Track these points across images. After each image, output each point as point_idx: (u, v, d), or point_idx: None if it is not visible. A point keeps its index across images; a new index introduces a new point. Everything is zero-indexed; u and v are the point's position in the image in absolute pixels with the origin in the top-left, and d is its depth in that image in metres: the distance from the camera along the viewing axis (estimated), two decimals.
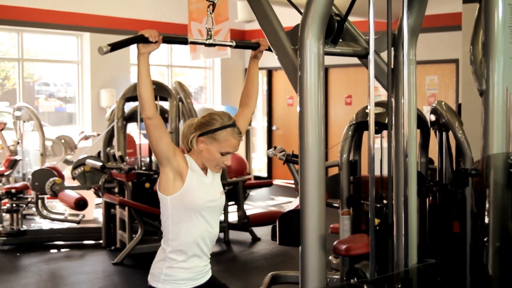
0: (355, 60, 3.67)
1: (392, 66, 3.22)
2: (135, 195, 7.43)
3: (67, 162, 10.03)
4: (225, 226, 8.22)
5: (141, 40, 2.94)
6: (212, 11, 3.27)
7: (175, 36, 3.18)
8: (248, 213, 8.26)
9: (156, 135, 3.01)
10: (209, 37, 3.22)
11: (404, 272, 3.02)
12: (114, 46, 2.89)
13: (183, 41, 3.14)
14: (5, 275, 6.82)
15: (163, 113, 7.79)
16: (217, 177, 3.27)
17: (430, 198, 5.16)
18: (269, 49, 3.48)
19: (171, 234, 3.13)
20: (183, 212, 3.10)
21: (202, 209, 3.11)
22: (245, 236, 8.37)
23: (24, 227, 8.23)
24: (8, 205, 8.17)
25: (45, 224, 8.85)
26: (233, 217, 8.52)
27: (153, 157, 7.86)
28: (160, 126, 3.02)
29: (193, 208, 3.10)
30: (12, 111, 9.65)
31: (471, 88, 4.53)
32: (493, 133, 3.79)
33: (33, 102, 11.40)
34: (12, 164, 9.09)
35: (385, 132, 5.12)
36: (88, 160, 7.65)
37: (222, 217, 8.21)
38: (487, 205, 3.80)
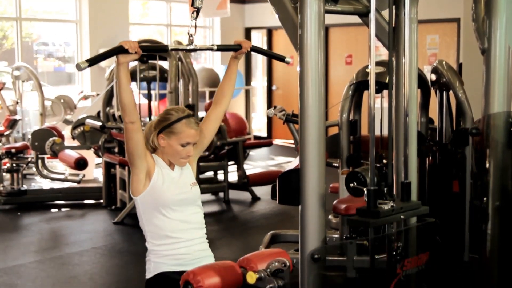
0: (356, 20, 3.64)
1: (393, 25, 3.19)
2: None
3: (66, 122, 10.01)
4: (225, 185, 8.25)
5: (120, 51, 2.93)
6: (196, 17, 3.22)
7: (155, 45, 3.14)
8: (248, 172, 8.28)
9: (135, 137, 3.07)
10: (190, 43, 3.17)
11: (404, 230, 3.03)
12: (93, 61, 2.85)
13: (164, 49, 3.12)
14: (6, 234, 6.86)
15: (162, 73, 7.76)
16: (186, 170, 3.30)
17: (430, 157, 5.17)
18: (251, 50, 3.40)
19: (148, 232, 3.25)
20: (153, 209, 3.17)
21: (171, 203, 3.17)
22: (245, 195, 8.40)
23: (25, 187, 8.25)
24: (8, 165, 8.19)
25: (46, 184, 8.89)
26: (233, 176, 8.54)
27: (153, 117, 7.85)
28: (139, 129, 3.08)
29: (162, 204, 3.16)
30: (11, 70, 9.61)
31: (472, 47, 4.50)
32: (494, 92, 3.78)
33: (32, 62, 11.34)
34: (12, 124, 9.08)
35: (385, 92, 5.11)
36: (87, 120, 7.64)
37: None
38: (487, 165, 3.80)
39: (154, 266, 3.23)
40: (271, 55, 3.59)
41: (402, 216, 2.85)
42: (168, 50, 3.13)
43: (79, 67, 2.77)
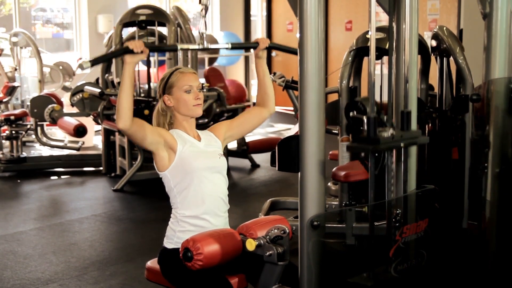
0: None
1: None
2: None
3: (65, 88, 9.99)
4: (224, 153, 8.24)
5: (125, 52, 2.90)
6: (205, 15, 3.18)
7: (163, 45, 3.09)
8: (247, 140, 8.27)
9: (138, 136, 3.10)
10: (202, 41, 3.12)
11: (403, 198, 3.03)
12: (96, 61, 2.82)
13: (173, 49, 3.06)
14: (6, 201, 6.87)
15: (161, 39, 7.70)
16: (213, 141, 3.36)
17: (430, 124, 5.15)
18: (270, 47, 3.38)
19: (180, 204, 3.22)
20: (184, 179, 3.19)
21: (202, 170, 3.20)
22: (245, 162, 8.40)
23: (24, 154, 8.25)
24: (7, 132, 8.18)
25: (45, 151, 8.89)
26: (232, 144, 8.54)
27: (152, 84, 7.81)
28: (138, 130, 3.08)
29: (193, 172, 3.18)
30: (9, 37, 9.55)
31: (473, 13, 4.47)
32: (495, 58, 3.76)
33: (30, 28, 11.28)
34: (10, 90, 9.05)
35: (385, 58, 5.08)
36: (86, 87, 7.61)
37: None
38: (487, 131, 3.79)
39: (176, 241, 3.21)
40: (290, 51, 3.55)
41: (402, 144, 2.85)
42: (177, 50, 3.08)
43: (81, 67, 2.77)
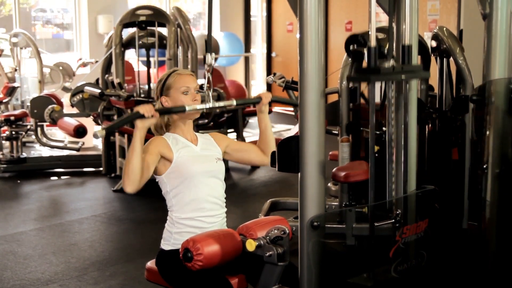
0: None
1: None
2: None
3: (65, 89, 9.98)
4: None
5: (136, 117, 2.91)
6: (211, 73, 3.19)
7: (172, 107, 3.10)
8: (247, 140, 8.27)
9: (146, 179, 3.11)
10: (208, 100, 3.14)
11: (403, 198, 3.03)
12: (110, 128, 2.84)
13: (181, 110, 3.06)
14: (6, 202, 6.87)
15: (161, 39, 7.70)
16: (211, 145, 3.35)
17: (430, 125, 5.16)
18: (271, 102, 3.37)
19: (176, 207, 3.23)
20: (181, 183, 3.20)
21: (199, 174, 3.21)
22: None
23: (24, 155, 8.25)
24: (7, 132, 8.18)
25: (45, 152, 8.89)
26: None
27: (152, 85, 7.81)
28: (144, 182, 3.09)
29: (189, 176, 3.19)
30: (9, 37, 9.55)
31: (473, 13, 4.47)
32: (495, 58, 3.75)
33: (30, 29, 11.28)
34: (11, 91, 9.05)
35: None
36: (86, 87, 7.60)
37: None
38: (487, 132, 3.79)
39: (173, 242, 3.22)
40: (291, 103, 3.56)
41: (403, 76, 2.85)
42: (185, 111, 3.08)
43: (96, 136, 2.80)
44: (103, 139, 2.61)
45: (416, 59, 3.07)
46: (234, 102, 3.23)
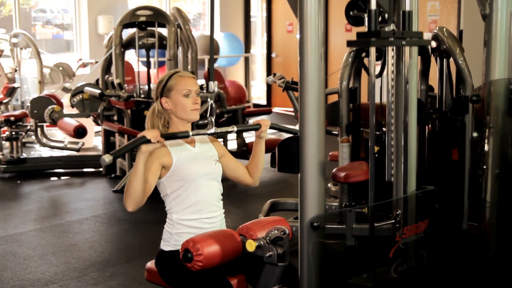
0: None
1: None
2: (134, 122, 7.42)
3: (65, 89, 9.99)
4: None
5: (143, 142, 2.93)
6: (214, 101, 3.21)
7: (177, 132, 3.13)
8: (247, 140, 8.27)
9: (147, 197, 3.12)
10: (210, 127, 3.16)
11: (403, 198, 3.03)
12: (117, 154, 2.85)
13: (185, 135, 3.09)
14: (6, 202, 6.87)
15: (161, 40, 7.71)
16: (209, 148, 3.37)
17: (430, 125, 5.15)
18: (270, 128, 3.51)
19: (175, 208, 3.24)
20: (181, 185, 3.21)
21: (198, 176, 3.22)
22: (245, 163, 8.38)
23: (24, 155, 8.25)
24: (7, 133, 8.18)
25: (45, 152, 8.89)
26: (232, 145, 8.54)
27: (152, 85, 7.82)
28: (146, 199, 3.11)
29: (189, 178, 3.20)
30: (9, 38, 9.56)
31: (473, 14, 4.46)
32: (495, 58, 3.75)
33: (30, 29, 11.28)
34: (11, 91, 9.05)
35: None
36: (86, 88, 7.61)
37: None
38: (487, 132, 3.79)
39: (173, 243, 3.23)
40: (290, 131, 3.63)
41: (403, 42, 2.85)
42: (189, 136, 3.12)
43: (103, 162, 2.79)
44: (106, 163, 2.64)
45: (417, 26, 3.06)
46: (235, 129, 3.28)
